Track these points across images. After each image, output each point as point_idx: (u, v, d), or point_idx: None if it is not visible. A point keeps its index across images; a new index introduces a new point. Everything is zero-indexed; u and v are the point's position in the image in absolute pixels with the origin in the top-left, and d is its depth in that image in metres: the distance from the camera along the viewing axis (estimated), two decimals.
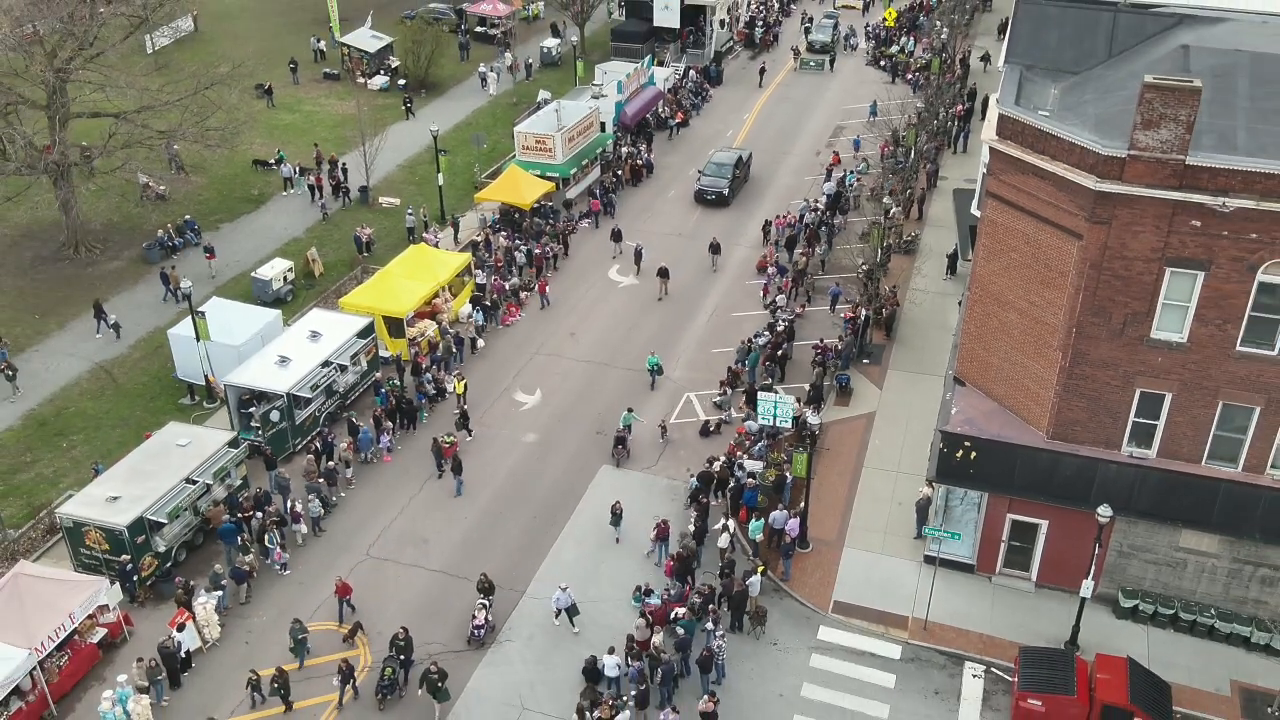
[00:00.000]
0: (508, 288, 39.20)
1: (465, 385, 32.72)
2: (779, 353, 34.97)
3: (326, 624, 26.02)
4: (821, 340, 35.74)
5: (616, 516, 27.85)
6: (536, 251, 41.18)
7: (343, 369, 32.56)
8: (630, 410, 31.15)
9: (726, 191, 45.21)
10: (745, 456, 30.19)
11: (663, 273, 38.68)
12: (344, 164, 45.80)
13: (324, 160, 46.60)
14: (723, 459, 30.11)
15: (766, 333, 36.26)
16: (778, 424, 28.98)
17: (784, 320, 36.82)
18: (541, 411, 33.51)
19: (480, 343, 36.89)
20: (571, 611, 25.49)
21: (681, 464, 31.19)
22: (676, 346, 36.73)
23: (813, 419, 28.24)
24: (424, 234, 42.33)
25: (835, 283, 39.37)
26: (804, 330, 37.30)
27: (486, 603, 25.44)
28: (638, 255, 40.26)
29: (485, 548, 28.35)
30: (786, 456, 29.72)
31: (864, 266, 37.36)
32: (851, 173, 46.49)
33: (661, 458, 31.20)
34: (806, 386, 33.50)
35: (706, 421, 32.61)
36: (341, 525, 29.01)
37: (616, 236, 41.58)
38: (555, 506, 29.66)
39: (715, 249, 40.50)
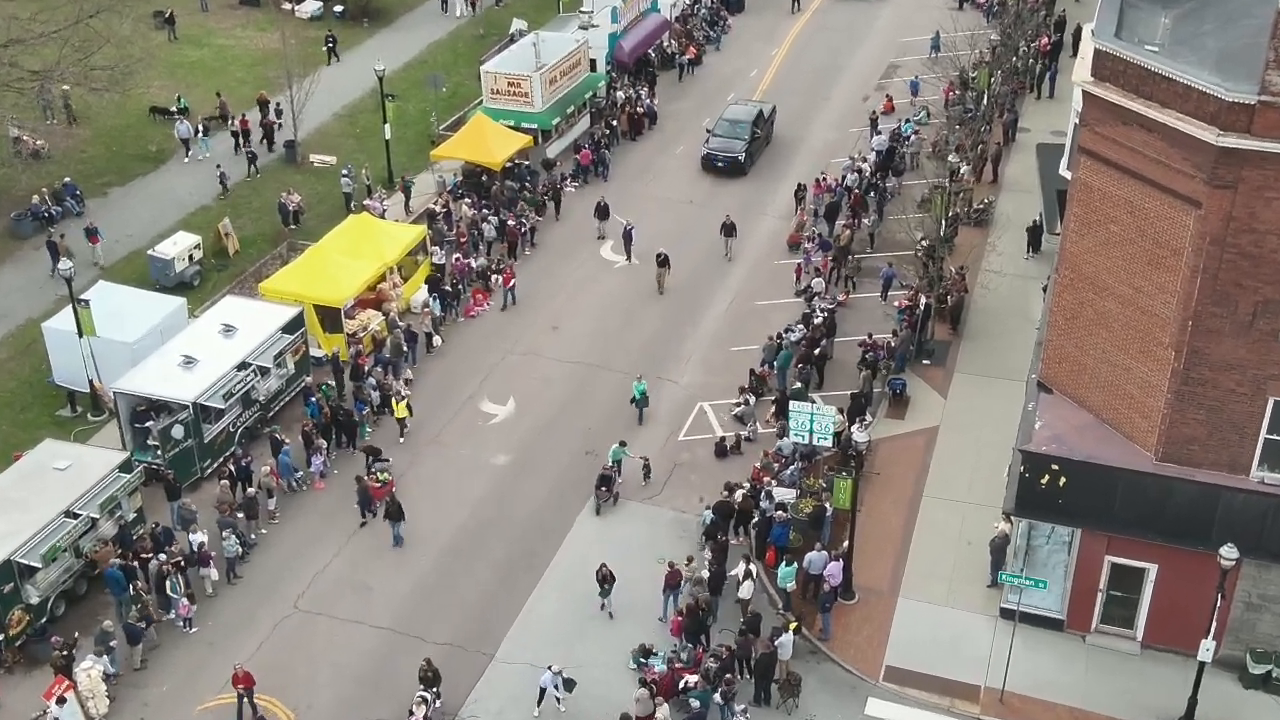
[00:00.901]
0: (474, 268, 39.33)
1: (409, 407, 32.70)
2: (816, 351, 35.15)
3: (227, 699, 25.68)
4: (870, 336, 35.76)
5: (605, 583, 27.40)
6: (509, 224, 41.39)
7: (264, 372, 32.70)
8: (622, 444, 31.11)
9: (742, 157, 45.15)
10: (774, 483, 30.27)
11: (662, 261, 38.61)
12: (278, 104, 45.80)
13: (230, 114, 46.61)
14: (745, 486, 30.32)
15: (800, 326, 36.42)
16: (815, 442, 29.24)
17: (822, 310, 36.93)
18: (516, 426, 33.72)
19: (438, 339, 37.09)
20: (568, 685, 25.14)
21: (694, 492, 31.26)
22: (685, 344, 37.01)
23: (859, 435, 27.43)
24: (366, 201, 42.72)
25: (887, 263, 39.36)
26: (848, 323, 37.49)
27: (428, 695, 24.46)
28: (627, 238, 40.10)
29: (443, 599, 28.35)
30: (826, 483, 29.73)
31: (923, 242, 37.61)
32: (908, 122, 46.63)
33: (668, 484, 31.42)
34: (851, 394, 33.51)
35: (724, 439, 32.76)
36: (263, 569, 29.08)
37: (602, 213, 41.38)
38: (533, 547, 29.74)
39: (729, 230, 40.45)
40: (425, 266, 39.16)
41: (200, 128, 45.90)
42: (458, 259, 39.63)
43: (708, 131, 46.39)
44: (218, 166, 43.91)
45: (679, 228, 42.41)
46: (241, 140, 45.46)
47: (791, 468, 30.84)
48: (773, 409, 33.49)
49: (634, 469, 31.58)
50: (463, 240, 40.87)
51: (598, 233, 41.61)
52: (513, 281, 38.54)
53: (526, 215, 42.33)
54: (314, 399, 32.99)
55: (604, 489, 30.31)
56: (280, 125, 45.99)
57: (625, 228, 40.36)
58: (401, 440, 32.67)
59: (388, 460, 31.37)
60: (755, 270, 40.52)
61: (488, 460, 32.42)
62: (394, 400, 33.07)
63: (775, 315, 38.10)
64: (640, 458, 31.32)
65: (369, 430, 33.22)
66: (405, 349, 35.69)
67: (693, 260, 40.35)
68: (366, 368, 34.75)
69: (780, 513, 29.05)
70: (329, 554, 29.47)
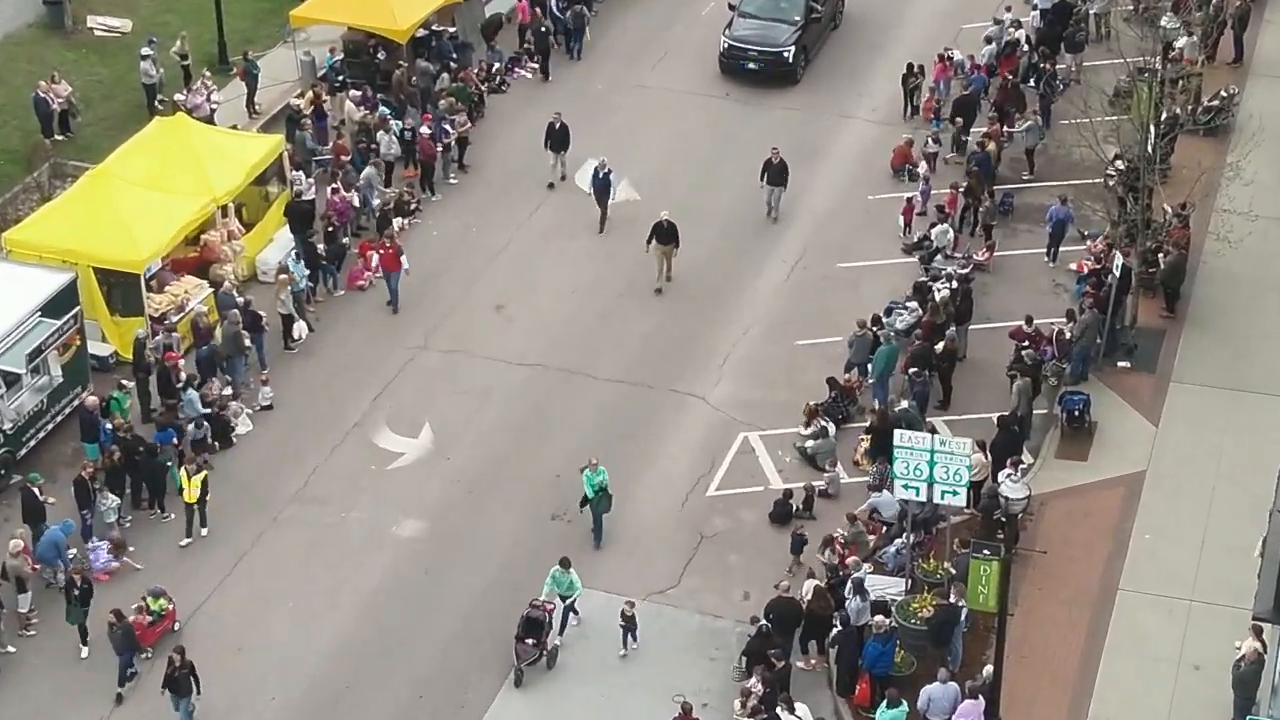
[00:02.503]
0: (377, 206, 39.61)
1: (205, 484, 31.95)
2: (939, 347, 35.01)
3: None
4: (1029, 321, 35.42)
5: None
6: (422, 133, 41.47)
7: (9, 382, 32.61)
8: (565, 568, 29.87)
9: (791, 52, 45.53)
10: (867, 568, 30.18)
11: (663, 233, 38.47)
12: None
13: None
14: (821, 564, 30.34)
15: (912, 305, 36.43)
16: (937, 499, 29.30)
17: (949, 278, 36.75)
18: (434, 472, 33.82)
19: (303, 327, 37.04)
20: None
21: (732, 583, 31.27)
22: (715, 335, 37.48)
23: (1011, 487, 27.62)
24: (182, 95, 42.36)
25: (1058, 198, 39.42)
26: (991, 299, 37.62)
27: None
28: (600, 187, 40.29)
29: None
30: (956, 568, 29.48)
31: (1119, 163, 37.54)
32: None
33: (690, 569, 31.50)
34: (998, 419, 33.20)
35: (785, 494, 32.71)
36: (11, 712, 28.84)
37: (557, 139, 41.76)
38: (460, 682, 29.54)
39: (776, 175, 40.54)
40: (282, 203, 39.00)
41: None
42: (338, 194, 39.28)
43: (731, 8, 47.19)
44: None
45: (689, 178, 42.79)
46: None
47: (897, 542, 30.95)
48: (865, 443, 33.38)
49: (654, 491, 32.45)
50: (345, 160, 40.62)
51: (553, 170, 42.04)
52: (402, 257, 37.92)
53: (452, 118, 42.08)
54: (104, 427, 32.90)
55: (530, 642, 29.45)
56: None
57: (597, 169, 40.39)
58: (203, 528, 32.05)
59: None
60: (831, 216, 40.93)
61: (386, 531, 32.28)
62: (187, 478, 31.97)
63: (869, 286, 38.20)
64: (623, 610, 29.92)
65: (186, 480, 32.32)
66: (247, 343, 35.31)
67: (712, 235, 40.58)
68: (182, 374, 34.54)
69: (879, 618, 28.70)
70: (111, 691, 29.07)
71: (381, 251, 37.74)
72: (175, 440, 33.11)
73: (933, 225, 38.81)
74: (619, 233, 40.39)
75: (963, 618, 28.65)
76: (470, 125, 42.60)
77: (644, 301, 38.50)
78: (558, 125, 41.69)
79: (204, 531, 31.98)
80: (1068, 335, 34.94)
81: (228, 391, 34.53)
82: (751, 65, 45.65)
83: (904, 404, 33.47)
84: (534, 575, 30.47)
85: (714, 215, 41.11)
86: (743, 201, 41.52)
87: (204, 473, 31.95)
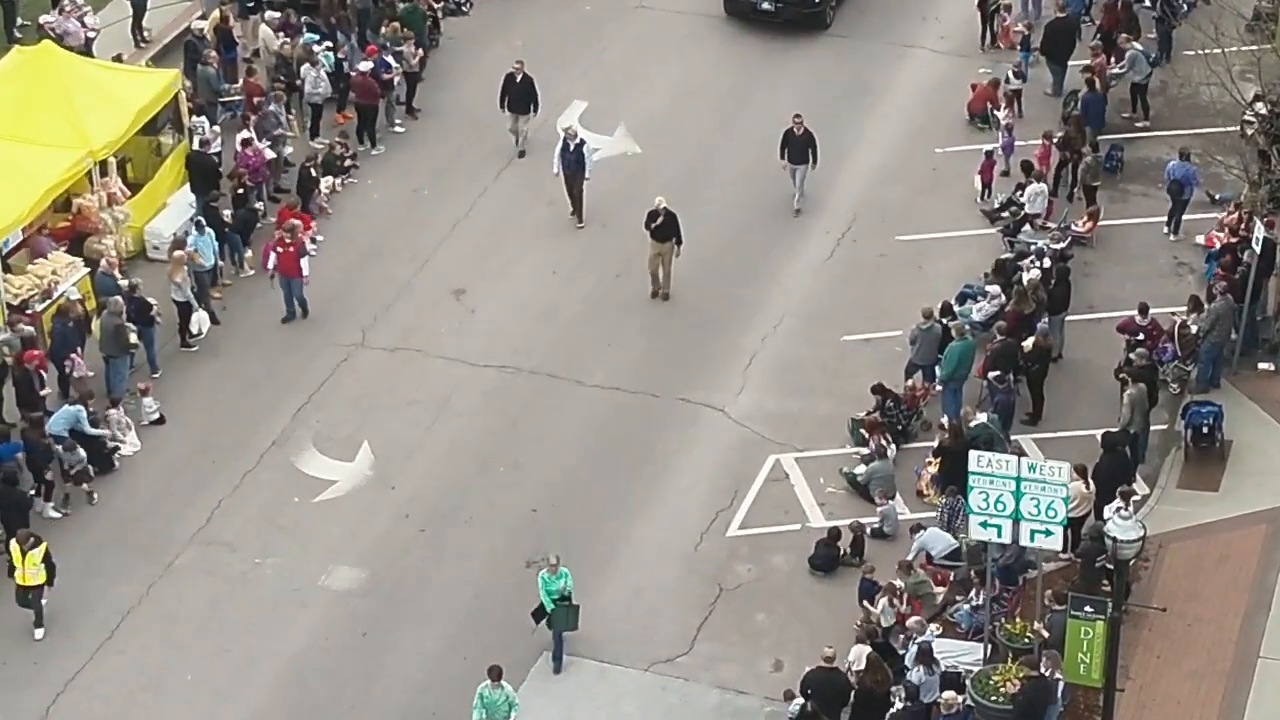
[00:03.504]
0: (283, 162, 39.84)
1: (50, 566, 31.40)
2: (1027, 343, 35.20)
3: None
4: (1144, 311, 35.66)
5: None
6: (362, 67, 41.64)
7: None
8: (495, 680, 29.46)
9: None
10: (935, 629, 30.39)
11: (660, 226, 38.34)
12: None
13: None
14: (874, 623, 30.36)
15: (992, 290, 36.62)
16: (1024, 540, 29.16)
17: (1040, 255, 36.98)
18: (376, 505, 33.97)
19: (205, 319, 37.12)
20: None
21: (761, 650, 31.36)
22: (737, 329, 37.68)
23: (1120, 525, 27.54)
24: (47, 17, 42.25)
25: (1179, 152, 39.56)
26: (1093, 282, 37.95)
27: None
28: (572, 165, 40.18)
29: None
30: (1049, 630, 29.37)
31: (1259, 106, 37.67)
32: None
33: (705, 632, 31.57)
34: (1102, 436, 33.30)
35: (833, 533, 32.91)
36: None
37: (517, 97, 41.81)
38: None
39: (800, 150, 40.57)
40: (178, 158, 38.93)
41: None
42: (250, 143, 39.25)
43: None
44: None
45: (703, 112, 43.31)
46: None
47: (971, 594, 31.07)
48: (931, 468, 33.51)
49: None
50: (257, 102, 40.59)
51: (514, 136, 42.11)
52: (305, 244, 37.96)
53: (398, 49, 42.40)
54: None
55: None
56: None
57: (565, 139, 40.30)
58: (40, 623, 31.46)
59: None
60: (888, 175, 41.18)
61: (313, 582, 32.34)
62: (18, 550, 31.34)
63: (937, 265, 38.61)
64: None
65: (57, 511, 33.10)
66: (133, 339, 35.24)
67: (735, 186, 41.03)
68: (45, 376, 34.62)
69: (950, 694, 28.71)
70: None
71: (279, 250, 37.24)
72: (40, 460, 32.71)
73: (1019, 187, 39.00)
74: (615, 197, 40.67)
75: (1058, 694, 28.50)
76: (421, 56, 42.67)
77: (646, 286, 38.54)
78: (519, 78, 41.52)
79: (39, 634, 31.03)
80: (1193, 329, 34.85)
81: (112, 411, 34.22)
82: (767, 5, 45.76)
83: (982, 417, 33.42)
84: (503, 639, 30.54)
85: (735, 174, 41.30)
86: (771, 155, 41.10)
87: (44, 545, 30.98)
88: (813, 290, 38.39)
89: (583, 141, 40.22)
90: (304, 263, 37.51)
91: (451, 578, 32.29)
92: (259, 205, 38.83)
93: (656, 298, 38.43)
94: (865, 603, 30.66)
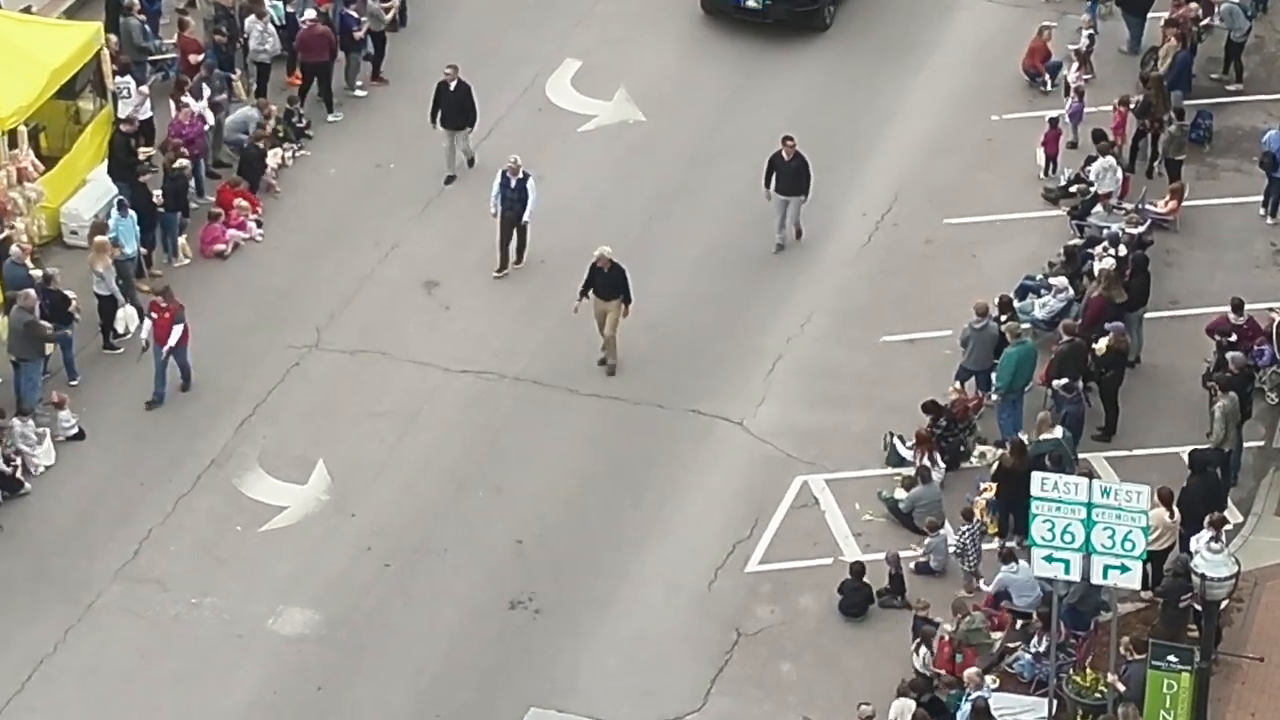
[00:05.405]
0: (220, 131, 40.45)
1: None
2: (1099, 346, 34.92)
3: None
4: (1239, 308, 35.42)
5: None
6: (310, 16, 42.20)
7: None
8: None
9: None
10: (990, 681, 29.89)
11: (603, 282, 37.60)
12: None
13: None
14: (915, 672, 30.45)
15: (1058, 282, 36.68)
16: (1096, 574, 28.94)
17: (1114, 241, 36.96)
18: (333, 535, 33.78)
19: (133, 315, 36.78)
20: None
21: (787, 707, 31.08)
22: (759, 325, 37.84)
23: (1210, 560, 27.45)
24: None
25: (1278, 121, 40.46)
26: (1175, 273, 38.37)
27: None
28: (512, 205, 39.31)
29: None
30: (1126, 682, 29.26)
31: None
32: None
33: (722, 683, 31.25)
34: (1189, 454, 33.15)
35: (856, 568, 32.80)
36: None
37: (451, 110, 41.40)
38: None
39: (791, 180, 39.71)
40: (101, 127, 38.69)
41: None
42: (184, 108, 39.00)
43: None
44: None
45: (715, 75, 43.91)
46: None
47: (1034, 640, 30.63)
48: (987, 492, 33.19)
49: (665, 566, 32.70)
50: (192, 62, 40.65)
51: (449, 156, 41.57)
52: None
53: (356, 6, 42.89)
54: None
55: None
56: None
57: (506, 173, 39.25)
58: None
59: None
60: (935, 147, 41.60)
61: (259, 625, 31.85)
62: None
63: (993, 253, 38.77)
64: None
65: None
66: (50, 339, 35.05)
67: (754, 163, 40.12)
68: None
69: None
70: None
71: (155, 315, 36.45)
72: None
73: (1089, 160, 38.74)
74: (614, 173, 41.05)
75: None
76: (392, 4, 42.58)
77: (649, 278, 37.94)
78: (452, 86, 40.84)
79: None
80: None
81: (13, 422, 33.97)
82: (752, 3, 45.00)
83: (1057, 431, 33.33)
84: (483, 696, 30.67)
85: (753, 148, 40.50)
86: (794, 125, 40.68)
87: None
88: (847, 283, 38.46)
89: (527, 175, 39.24)
90: (179, 329, 36.59)
91: (421, 622, 31.96)
92: (184, 163, 37.93)
93: (604, 366, 37.62)
94: (915, 640, 30.73)
